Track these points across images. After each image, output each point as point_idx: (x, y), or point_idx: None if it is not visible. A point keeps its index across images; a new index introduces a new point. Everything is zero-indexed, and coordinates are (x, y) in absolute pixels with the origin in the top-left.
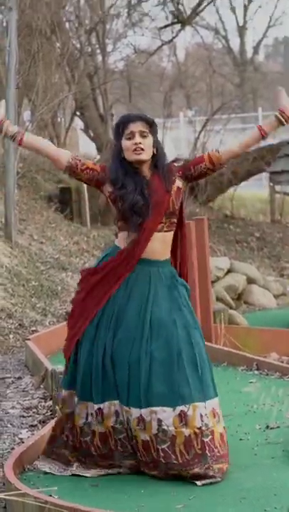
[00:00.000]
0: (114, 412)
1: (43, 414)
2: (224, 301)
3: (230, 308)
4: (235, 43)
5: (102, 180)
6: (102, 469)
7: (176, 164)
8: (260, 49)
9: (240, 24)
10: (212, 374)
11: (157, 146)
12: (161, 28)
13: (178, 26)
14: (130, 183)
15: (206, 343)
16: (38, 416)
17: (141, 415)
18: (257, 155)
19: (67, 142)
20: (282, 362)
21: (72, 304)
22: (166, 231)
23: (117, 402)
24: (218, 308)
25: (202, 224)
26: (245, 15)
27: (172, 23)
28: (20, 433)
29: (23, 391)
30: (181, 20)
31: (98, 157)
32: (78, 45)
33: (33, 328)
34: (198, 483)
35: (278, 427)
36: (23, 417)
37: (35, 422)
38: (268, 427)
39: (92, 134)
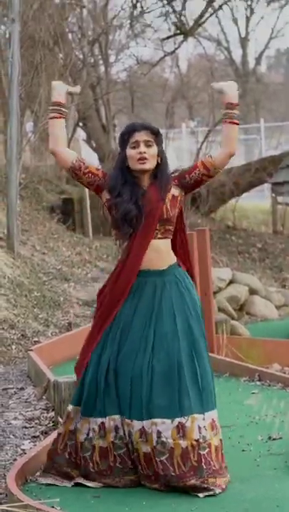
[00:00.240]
0: (114, 427)
1: (46, 425)
2: (226, 312)
3: (232, 318)
4: (237, 54)
5: (101, 186)
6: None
7: (173, 175)
8: (262, 60)
9: (243, 35)
10: (213, 385)
11: (162, 156)
12: (164, 39)
13: (180, 37)
14: (127, 192)
15: (208, 353)
16: (40, 427)
17: (143, 427)
18: (259, 166)
19: None
20: (285, 373)
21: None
22: (160, 238)
23: (117, 417)
24: (220, 319)
25: (204, 235)
26: (247, 26)
27: (175, 35)
28: (23, 444)
29: (26, 402)
30: (184, 31)
31: (100, 168)
32: (81, 56)
33: (36, 339)
34: (200, 495)
35: (280, 438)
36: (26, 427)
37: (38, 433)
38: (270, 437)
39: (94, 145)
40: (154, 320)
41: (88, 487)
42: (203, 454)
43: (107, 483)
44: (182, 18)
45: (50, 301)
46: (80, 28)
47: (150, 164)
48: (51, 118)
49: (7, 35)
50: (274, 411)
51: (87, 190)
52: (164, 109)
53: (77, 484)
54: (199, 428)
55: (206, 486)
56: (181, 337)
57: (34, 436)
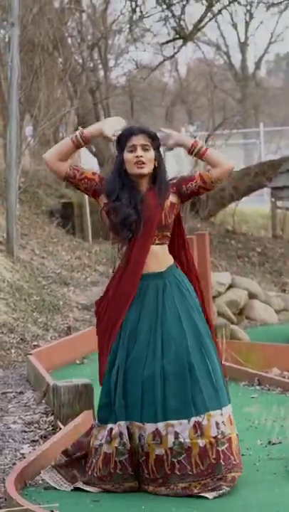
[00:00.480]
0: (119, 433)
1: (45, 429)
2: (226, 316)
3: (232, 323)
4: (236, 58)
5: (98, 190)
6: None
7: (171, 182)
8: (262, 65)
9: (242, 40)
10: (224, 381)
11: (159, 160)
12: (163, 43)
13: (179, 42)
14: (125, 196)
15: None
16: (39, 431)
17: (157, 429)
18: (258, 170)
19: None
20: (284, 377)
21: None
22: (158, 244)
23: (123, 422)
24: (220, 324)
25: (203, 239)
26: (246, 31)
27: (174, 39)
28: (22, 448)
29: (25, 406)
30: (183, 36)
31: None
32: (80, 61)
33: (35, 343)
34: (209, 496)
35: (280, 442)
36: (25, 432)
37: (37, 437)
38: (269, 442)
39: (94, 149)
40: (160, 322)
41: (87, 492)
42: (222, 450)
43: (107, 489)
44: (181, 22)
45: (50, 305)
46: (80, 32)
47: (148, 168)
48: (70, 139)
49: (6, 39)
50: (273, 415)
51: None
52: (163, 114)
53: (76, 489)
54: (217, 424)
55: (222, 483)
56: (188, 336)
57: (33, 441)
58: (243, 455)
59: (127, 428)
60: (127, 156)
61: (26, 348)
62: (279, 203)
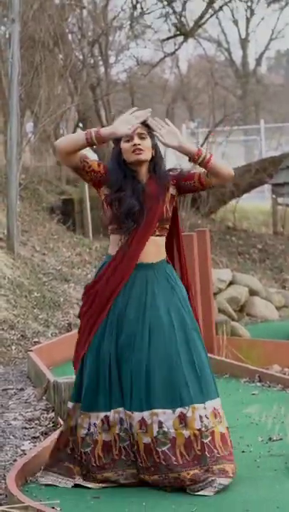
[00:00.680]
0: (118, 419)
1: (46, 425)
2: (226, 313)
3: (233, 320)
4: (237, 55)
5: (102, 181)
6: (103, 482)
7: (171, 173)
8: (263, 61)
9: (243, 36)
10: (212, 375)
11: (156, 148)
12: (164, 40)
13: (180, 38)
14: (128, 186)
15: (208, 354)
16: (40, 428)
17: (143, 418)
18: (259, 167)
19: None
20: (285, 374)
21: (79, 317)
22: (157, 235)
23: (121, 409)
24: (221, 320)
25: (204, 236)
26: (247, 27)
27: (175, 36)
28: (23, 445)
29: (26, 402)
30: (184, 32)
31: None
32: (81, 57)
33: (36, 340)
34: (209, 493)
35: (281, 439)
36: (26, 428)
37: (38, 434)
38: (270, 439)
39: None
40: (148, 313)
41: (88, 488)
42: (206, 443)
43: (108, 477)
44: (182, 19)
45: (50, 301)
46: (80, 28)
47: (145, 155)
48: (84, 133)
49: (7, 36)
50: (274, 412)
51: (87, 191)
52: (164, 110)
53: (77, 485)
54: (200, 417)
55: (210, 475)
56: (176, 328)
57: (34, 437)
58: (243, 452)
59: (124, 415)
60: (124, 145)
61: (27, 345)
62: (280, 200)
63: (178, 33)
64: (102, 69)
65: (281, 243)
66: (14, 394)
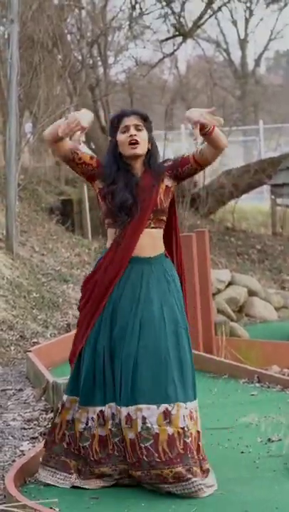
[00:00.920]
0: (111, 414)
1: (44, 426)
2: (225, 314)
3: (232, 320)
4: (236, 55)
5: (95, 175)
6: (100, 480)
7: (165, 164)
8: (262, 62)
9: (242, 37)
10: (194, 376)
11: (152, 142)
12: (163, 40)
13: (179, 39)
14: (121, 180)
15: (207, 355)
16: (39, 428)
17: (128, 413)
18: (258, 168)
19: None
20: (284, 374)
21: (78, 311)
22: (153, 227)
23: (113, 404)
24: (220, 321)
25: (203, 236)
26: (246, 28)
27: (174, 36)
28: (22, 445)
29: (24, 403)
30: (183, 33)
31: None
32: (80, 58)
33: (34, 340)
34: (193, 494)
35: (280, 439)
36: (24, 429)
37: (36, 434)
38: (269, 439)
39: (93, 146)
40: (141, 306)
41: (87, 489)
42: (188, 443)
43: (104, 471)
44: (181, 19)
45: (49, 302)
46: (79, 29)
47: (141, 149)
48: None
49: (6, 36)
50: (273, 413)
51: (86, 191)
52: (163, 111)
53: (75, 486)
54: (184, 417)
55: (190, 475)
56: (167, 323)
57: (33, 438)
58: (242, 452)
59: (116, 409)
60: (121, 137)
61: (26, 345)
62: (279, 201)
63: (177, 33)
64: (101, 69)
65: (280, 244)
66: (13, 394)
